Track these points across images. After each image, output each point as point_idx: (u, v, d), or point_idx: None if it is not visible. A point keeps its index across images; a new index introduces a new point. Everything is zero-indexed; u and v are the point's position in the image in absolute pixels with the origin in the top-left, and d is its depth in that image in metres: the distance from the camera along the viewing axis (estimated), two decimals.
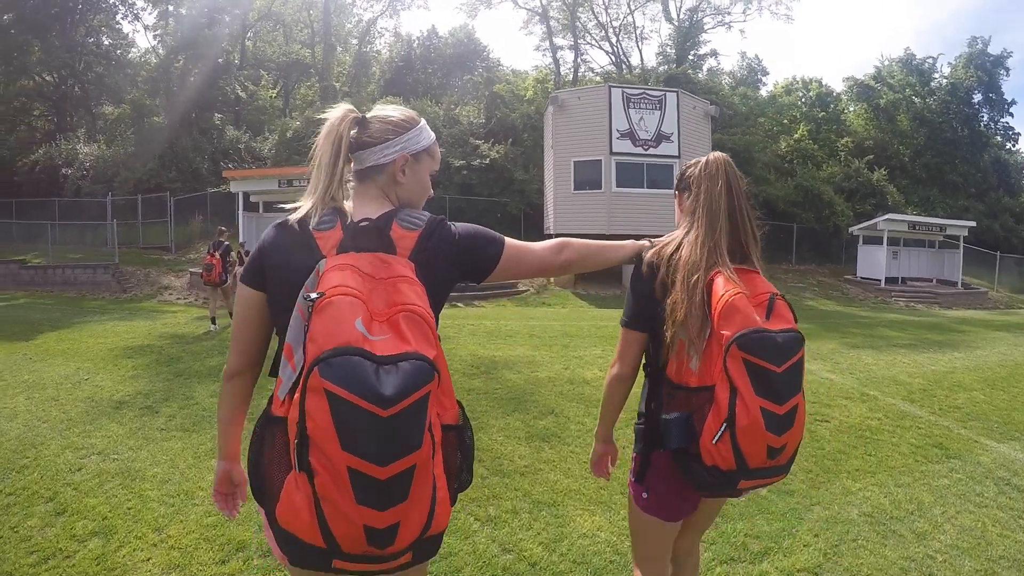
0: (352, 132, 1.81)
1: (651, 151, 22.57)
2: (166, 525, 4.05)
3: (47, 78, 35.16)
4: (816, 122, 41.28)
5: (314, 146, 1.81)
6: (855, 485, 5.00)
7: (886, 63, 45.72)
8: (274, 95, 38.16)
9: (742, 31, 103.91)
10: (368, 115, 1.87)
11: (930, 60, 44.43)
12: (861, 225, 28.49)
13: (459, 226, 1.89)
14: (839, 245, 32.14)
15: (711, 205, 2.14)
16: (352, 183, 1.88)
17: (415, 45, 44.29)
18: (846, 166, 35.88)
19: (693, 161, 2.31)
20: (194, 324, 13.35)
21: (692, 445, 2.00)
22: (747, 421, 1.86)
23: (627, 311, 2.27)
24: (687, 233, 2.19)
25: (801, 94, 44.29)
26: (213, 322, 12.41)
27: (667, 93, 23.27)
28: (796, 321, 2.06)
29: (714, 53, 59.25)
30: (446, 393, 1.55)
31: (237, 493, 2.02)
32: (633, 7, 45.59)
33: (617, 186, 22.30)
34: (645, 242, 2.29)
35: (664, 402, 2.12)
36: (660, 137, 22.61)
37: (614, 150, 22.29)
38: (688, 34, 47.06)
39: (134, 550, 3.74)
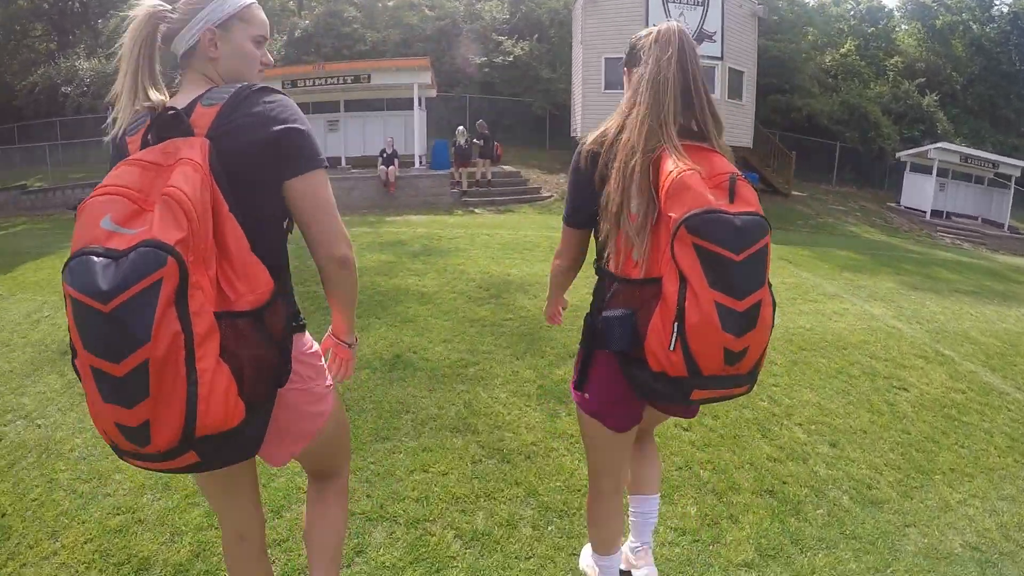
0: (159, 26, 1.66)
1: None
2: (65, 527, 3.10)
3: None
4: (865, 38, 38.60)
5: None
6: (953, 496, 3.84)
7: None
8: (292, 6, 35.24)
9: None
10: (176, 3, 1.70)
11: None
12: (910, 151, 26.27)
13: (284, 110, 1.64)
14: (882, 169, 30.25)
15: (657, 76, 1.88)
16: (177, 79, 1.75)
17: None
18: (895, 87, 33.50)
19: (645, 31, 2.03)
20: None
21: (636, 348, 1.80)
22: (698, 318, 1.64)
23: (567, 205, 2.12)
24: (630, 111, 1.93)
25: (851, 5, 41.32)
26: None
27: None
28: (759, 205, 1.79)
29: None
30: (241, 276, 1.50)
31: None
32: None
33: None
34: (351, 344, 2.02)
35: (606, 298, 1.94)
36: (702, 35, 20.47)
37: None
38: None
39: (21, 566, 2.83)
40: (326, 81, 19.52)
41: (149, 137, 1.54)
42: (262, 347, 1.51)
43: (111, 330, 1.28)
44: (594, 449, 2.24)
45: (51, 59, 31.04)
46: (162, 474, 3.10)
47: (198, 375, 1.33)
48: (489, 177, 19.02)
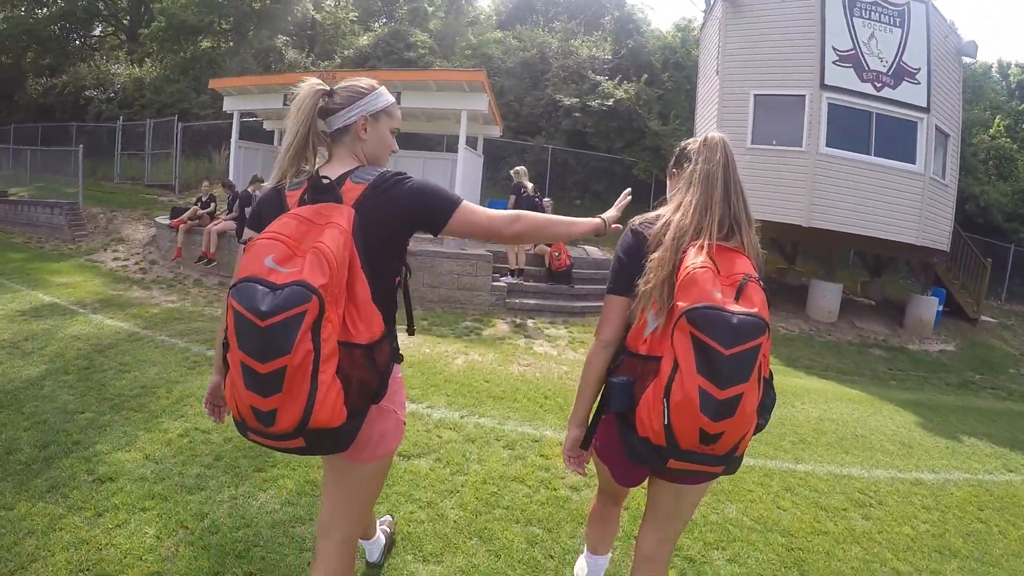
0: (320, 103, 2.09)
1: (885, 92, 12.94)
2: None
3: None
4: (1015, 116, 30.92)
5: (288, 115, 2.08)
6: None
7: None
8: (354, 18, 29.88)
9: None
10: (338, 85, 2.16)
11: None
12: None
13: (415, 181, 2.06)
14: None
15: (709, 174, 2.10)
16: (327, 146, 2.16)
17: None
18: None
19: (692, 139, 2.27)
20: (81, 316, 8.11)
21: (631, 413, 1.99)
22: (680, 397, 1.81)
23: (611, 276, 2.24)
24: (681, 200, 2.13)
25: (998, 78, 33.51)
26: None
27: (912, 3, 13.39)
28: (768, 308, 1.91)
29: None
30: (363, 318, 1.87)
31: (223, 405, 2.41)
32: None
33: (828, 144, 12.79)
34: (599, 220, 2.35)
35: (617, 366, 2.13)
36: (901, 72, 13.04)
37: (827, 81, 12.69)
38: None
39: None
40: None
41: (306, 197, 1.97)
42: (368, 372, 1.88)
43: (263, 340, 1.64)
44: (600, 472, 2.53)
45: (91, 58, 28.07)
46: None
47: (319, 384, 1.70)
48: (566, 262, 11.57)
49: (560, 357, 8.27)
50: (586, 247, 14.38)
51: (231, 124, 14.59)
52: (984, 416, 8.79)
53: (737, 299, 1.83)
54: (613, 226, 2.40)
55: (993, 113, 30.43)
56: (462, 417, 5.33)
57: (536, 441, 4.98)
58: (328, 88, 2.12)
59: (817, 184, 12.52)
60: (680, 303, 1.83)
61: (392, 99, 2.22)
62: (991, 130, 28.65)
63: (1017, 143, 28.89)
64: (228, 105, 14.44)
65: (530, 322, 9.99)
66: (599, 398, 2.25)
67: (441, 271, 10.53)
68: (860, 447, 6.17)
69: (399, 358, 2.18)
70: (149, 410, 4.92)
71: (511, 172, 11.70)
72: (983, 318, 16.30)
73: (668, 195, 2.33)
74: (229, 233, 11.46)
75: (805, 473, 5.15)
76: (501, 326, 9.50)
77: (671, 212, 2.13)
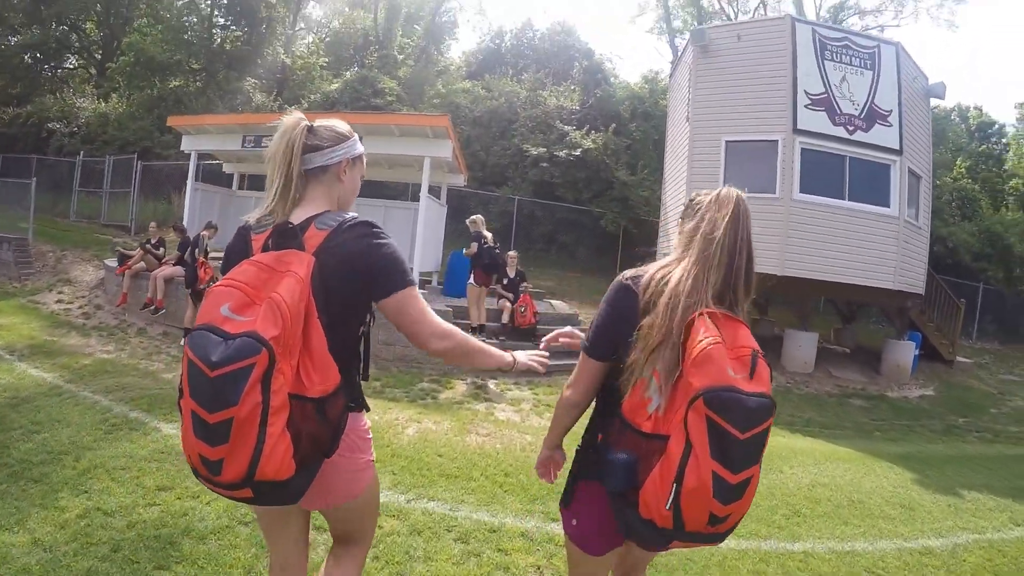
0: (304, 138, 2.03)
1: (858, 135, 12.73)
2: None
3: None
4: (975, 157, 32.88)
5: (269, 148, 2.05)
6: None
7: None
8: (324, 63, 29.73)
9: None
10: (315, 124, 2.10)
11: None
12: None
13: (378, 242, 1.99)
14: None
15: (711, 233, 1.95)
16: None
17: (506, 38, 35.28)
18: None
19: (705, 191, 2.09)
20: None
21: (632, 492, 1.85)
22: (695, 483, 1.69)
23: (591, 333, 2.11)
24: (680, 260, 2.00)
25: (957, 121, 34.85)
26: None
27: (882, 45, 13.39)
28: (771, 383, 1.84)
29: None
30: (317, 370, 1.81)
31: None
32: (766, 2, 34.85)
33: (802, 190, 12.44)
34: (511, 358, 2.38)
35: (613, 439, 1.95)
36: (873, 115, 12.84)
37: (800, 126, 12.43)
38: None
39: None
40: None
41: (270, 242, 1.93)
42: (319, 426, 1.81)
43: (212, 390, 1.63)
44: (573, 564, 2.28)
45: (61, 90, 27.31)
46: None
47: (266, 436, 1.65)
48: (531, 319, 10.89)
49: (524, 424, 7.57)
50: (552, 301, 13.81)
51: (198, 166, 13.92)
52: (977, 464, 8.53)
53: (751, 376, 1.75)
54: (518, 366, 2.43)
55: (954, 155, 31.03)
56: (408, 502, 4.62)
57: (494, 532, 4.27)
58: (311, 124, 2.08)
59: (792, 231, 12.14)
60: (694, 381, 1.70)
61: (363, 148, 2.21)
62: (953, 172, 29.28)
63: (978, 183, 30.05)
64: (186, 145, 13.72)
65: (491, 383, 9.26)
66: (581, 462, 2.16)
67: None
68: (859, 515, 5.66)
69: (364, 407, 2.17)
70: (50, 482, 4.30)
71: (467, 221, 11.00)
72: (959, 359, 16.30)
73: (671, 247, 2.20)
74: (177, 279, 10.68)
75: (804, 553, 4.58)
76: (460, 388, 8.78)
77: (665, 270, 1.98)
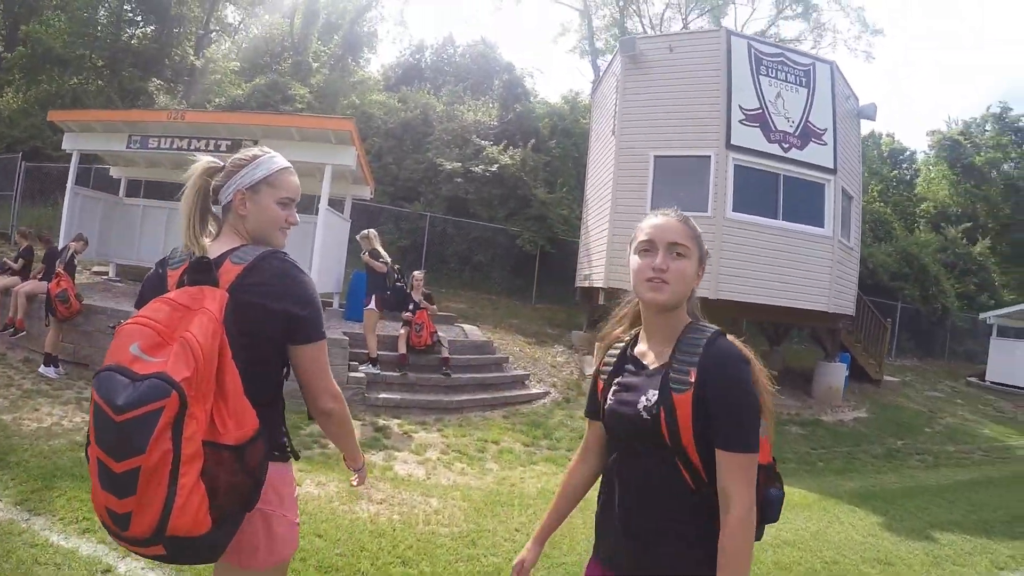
0: (211, 180, 1.98)
1: (793, 153, 12.11)
2: None
3: None
4: (887, 182, 34.73)
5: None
6: None
7: (976, 119, 37.43)
8: (235, 67, 28.08)
9: None
10: (228, 160, 2.03)
11: None
12: (1000, 312, 21.31)
13: (299, 283, 1.91)
14: (942, 335, 24.83)
15: None
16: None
17: (427, 53, 34.13)
18: (940, 235, 28.77)
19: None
20: None
21: None
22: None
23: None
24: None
25: (871, 146, 35.83)
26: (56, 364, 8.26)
27: (818, 63, 12.93)
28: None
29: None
30: (232, 414, 1.66)
31: None
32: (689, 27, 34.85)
33: (735, 209, 11.70)
34: (362, 466, 2.30)
35: None
36: (808, 133, 12.29)
37: (734, 141, 11.74)
38: None
39: None
40: (189, 143, 10.65)
41: (185, 278, 1.82)
42: (238, 476, 1.65)
43: (118, 436, 1.50)
44: None
45: None
46: None
47: (178, 488, 1.51)
48: (427, 340, 9.59)
49: (429, 482, 6.33)
50: (464, 326, 12.69)
51: (89, 169, 12.22)
52: (935, 496, 8.20)
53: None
54: (360, 473, 2.32)
55: (868, 179, 31.64)
56: None
57: None
58: (220, 164, 2.01)
59: (724, 252, 11.35)
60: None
61: (280, 165, 2.03)
62: (866, 196, 29.70)
63: (890, 206, 31.28)
64: (68, 143, 11.94)
65: (394, 423, 7.98)
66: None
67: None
68: None
69: (287, 456, 2.01)
70: None
71: (358, 237, 9.57)
72: (885, 378, 16.38)
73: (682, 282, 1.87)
74: (41, 297, 8.99)
75: None
76: (357, 431, 7.50)
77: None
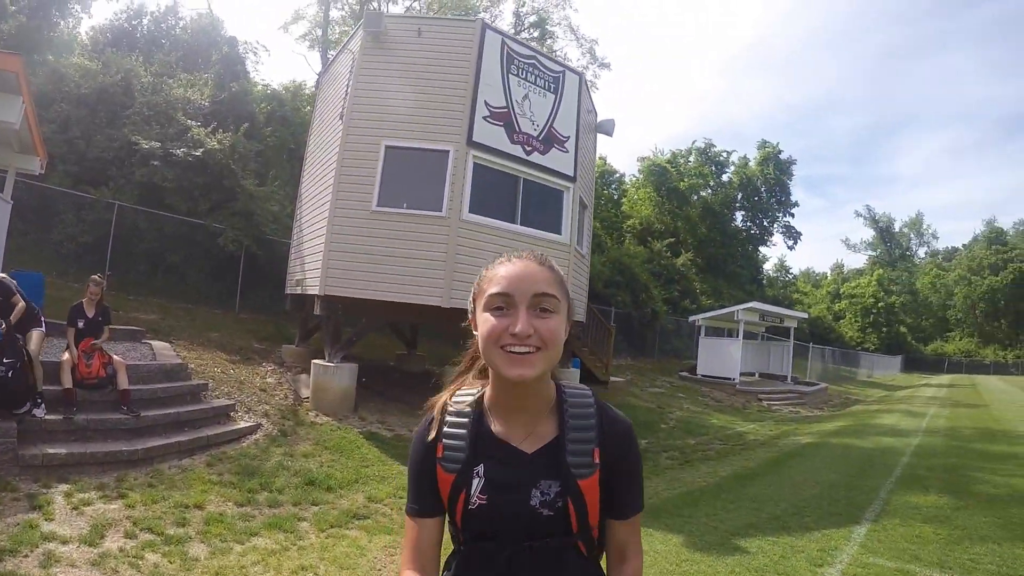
0: None
1: (535, 157, 11.46)
2: None
3: None
4: (598, 199, 36.23)
5: None
6: None
7: (682, 150, 44.88)
8: None
9: None
10: None
11: (724, 153, 44.50)
12: (708, 314, 24.72)
13: None
14: (652, 336, 28.02)
15: None
16: None
17: (145, 20, 27.65)
18: (647, 248, 32.86)
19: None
20: None
21: None
22: None
23: None
24: None
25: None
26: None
27: (568, 72, 12.44)
28: None
29: None
30: None
31: None
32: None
33: (472, 210, 10.67)
34: None
35: None
36: (551, 138, 11.77)
37: (476, 138, 10.72)
38: None
39: None
40: None
41: None
42: None
43: None
44: None
45: None
46: None
47: None
48: (101, 372, 7.34)
49: None
50: (152, 343, 10.20)
51: None
52: (715, 498, 7.99)
53: None
54: None
55: None
56: None
57: None
58: None
59: (459, 257, 10.30)
60: None
61: None
62: None
63: (598, 221, 33.06)
64: None
65: (60, 493, 5.59)
66: None
67: None
68: None
69: None
70: None
71: None
72: (611, 378, 17.27)
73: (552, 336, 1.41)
74: None
75: None
76: (3, 508, 5.12)
77: None
